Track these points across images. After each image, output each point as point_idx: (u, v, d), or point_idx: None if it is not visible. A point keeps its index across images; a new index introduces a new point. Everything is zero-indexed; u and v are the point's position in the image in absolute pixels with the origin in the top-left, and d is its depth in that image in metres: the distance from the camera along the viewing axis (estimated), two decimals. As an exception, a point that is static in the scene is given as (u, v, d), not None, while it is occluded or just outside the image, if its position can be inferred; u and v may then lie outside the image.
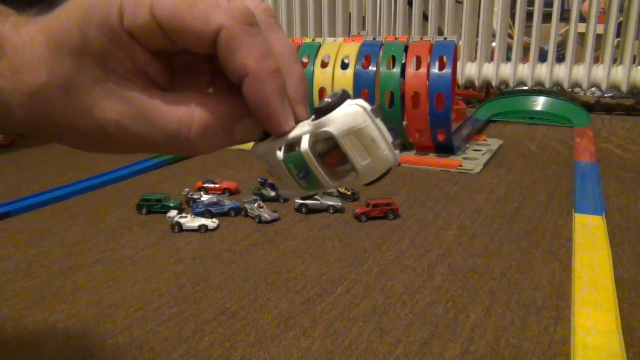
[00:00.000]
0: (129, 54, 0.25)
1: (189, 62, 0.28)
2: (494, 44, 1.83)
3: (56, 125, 0.26)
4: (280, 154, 0.26)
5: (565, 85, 1.73)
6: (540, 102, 1.61)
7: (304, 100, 0.26)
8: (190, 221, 0.81)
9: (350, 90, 1.16)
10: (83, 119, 0.25)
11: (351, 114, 0.25)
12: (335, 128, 0.25)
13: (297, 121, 0.26)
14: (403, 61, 1.16)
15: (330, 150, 0.25)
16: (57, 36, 0.25)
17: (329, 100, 0.25)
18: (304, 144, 0.25)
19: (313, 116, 0.26)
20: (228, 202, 0.88)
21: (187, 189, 0.96)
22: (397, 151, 0.26)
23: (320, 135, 0.25)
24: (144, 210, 0.88)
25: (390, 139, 0.25)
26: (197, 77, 0.29)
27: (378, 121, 0.25)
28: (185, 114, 0.25)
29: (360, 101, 0.25)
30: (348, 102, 0.25)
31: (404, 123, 1.20)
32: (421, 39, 1.19)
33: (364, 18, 1.93)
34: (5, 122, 0.26)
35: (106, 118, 0.25)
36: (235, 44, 0.24)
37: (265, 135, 0.27)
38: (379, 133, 0.25)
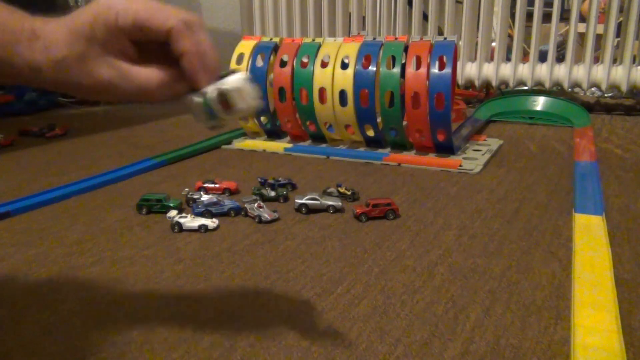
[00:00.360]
0: (119, 41, 0.42)
1: (153, 49, 0.44)
2: (494, 44, 1.83)
3: (70, 81, 0.42)
4: (198, 99, 0.44)
5: (565, 85, 1.73)
6: (540, 102, 1.61)
7: (215, 72, 0.44)
8: (190, 221, 0.81)
9: (350, 90, 1.17)
10: (88, 78, 0.42)
11: (237, 79, 0.44)
12: (228, 86, 0.44)
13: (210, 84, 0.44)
14: (403, 61, 1.16)
15: (225, 99, 0.44)
16: (75, 28, 0.41)
17: (226, 72, 0.45)
18: (212, 94, 0.44)
19: (219, 81, 0.44)
20: (228, 202, 0.88)
21: (187, 189, 0.96)
22: (260, 101, 0.46)
23: (220, 90, 0.44)
24: (144, 210, 0.88)
25: (258, 94, 0.45)
26: (157, 59, 0.44)
27: (251, 84, 0.45)
28: (149, 75, 0.43)
29: (243, 73, 0.45)
30: (236, 73, 0.45)
31: (404, 123, 1.20)
32: (421, 39, 1.19)
33: (364, 18, 1.93)
34: (36, 80, 0.42)
35: (102, 78, 0.42)
36: (180, 35, 0.42)
37: (192, 91, 0.45)
38: (251, 90, 0.45)
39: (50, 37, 0.41)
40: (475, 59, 1.82)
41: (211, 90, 0.44)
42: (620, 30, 1.69)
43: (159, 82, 0.43)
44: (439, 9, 1.81)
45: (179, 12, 0.43)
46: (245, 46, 1.35)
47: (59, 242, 0.78)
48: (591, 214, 0.84)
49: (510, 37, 1.81)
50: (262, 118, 1.36)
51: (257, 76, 1.31)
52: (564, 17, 2.10)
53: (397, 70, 1.15)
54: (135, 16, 0.41)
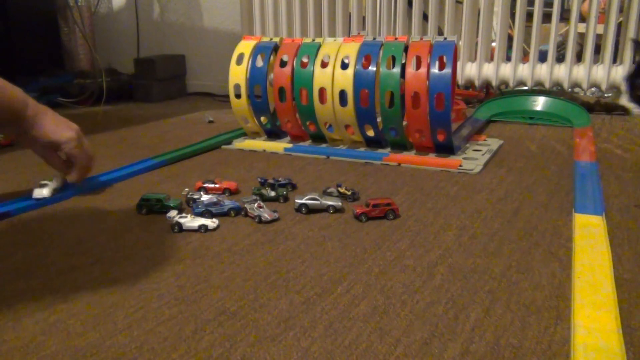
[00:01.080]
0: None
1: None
2: (494, 44, 1.83)
3: (24, 140, 0.94)
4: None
5: (565, 85, 1.73)
6: (540, 102, 1.61)
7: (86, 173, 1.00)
8: (190, 221, 0.81)
9: (350, 90, 1.17)
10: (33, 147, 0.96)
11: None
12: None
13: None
14: (403, 61, 1.16)
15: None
16: (38, 135, 0.93)
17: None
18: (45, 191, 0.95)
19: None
20: (228, 202, 0.88)
21: (187, 189, 0.96)
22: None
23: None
24: (144, 210, 0.88)
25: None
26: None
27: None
28: (56, 160, 0.97)
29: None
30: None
31: (404, 123, 1.20)
32: (421, 39, 1.19)
33: (364, 18, 1.93)
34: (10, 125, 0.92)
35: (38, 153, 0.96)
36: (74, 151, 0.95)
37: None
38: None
39: (36, 123, 0.90)
40: (475, 59, 1.82)
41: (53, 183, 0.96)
42: (620, 30, 1.69)
43: (58, 164, 0.96)
44: (439, 9, 1.81)
45: (87, 150, 0.96)
46: (245, 46, 1.35)
47: (59, 242, 0.78)
48: (591, 214, 0.84)
49: (510, 37, 1.81)
50: (262, 118, 1.36)
51: (257, 76, 1.31)
52: (564, 17, 2.10)
53: (397, 70, 1.15)
54: (69, 153, 0.94)
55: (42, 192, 0.93)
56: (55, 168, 0.96)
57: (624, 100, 0.86)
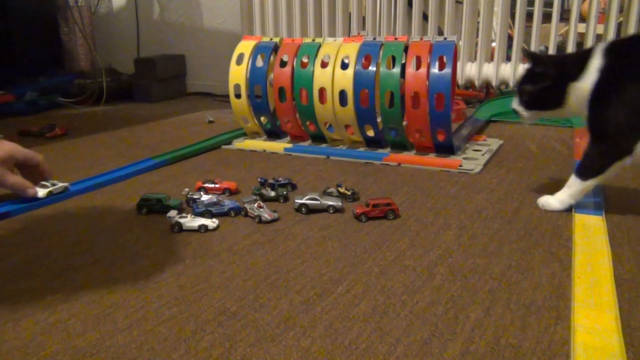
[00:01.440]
0: (10, 165, 0.91)
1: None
2: (494, 44, 1.83)
3: None
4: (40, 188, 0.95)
5: (565, 85, 1.72)
6: (540, 102, 1.61)
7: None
8: (190, 221, 0.81)
9: (350, 90, 1.17)
10: None
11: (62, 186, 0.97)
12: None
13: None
14: (403, 61, 1.16)
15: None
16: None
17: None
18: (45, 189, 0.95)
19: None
20: (228, 202, 0.88)
21: (187, 189, 0.96)
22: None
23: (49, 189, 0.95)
24: (144, 210, 0.88)
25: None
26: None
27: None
28: (18, 179, 0.91)
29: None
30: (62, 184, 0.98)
31: (404, 123, 1.20)
32: (421, 39, 1.19)
33: (364, 18, 1.93)
34: None
35: None
36: (42, 165, 0.96)
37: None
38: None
39: None
40: (475, 59, 1.82)
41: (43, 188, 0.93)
42: (620, 30, 1.69)
43: (19, 183, 0.90)
44: (439, 9, 1.81)
45: (37, 154, 0.94)
46: (245, 46, 1.35)
47: (59, 242, 0.78)
48: (591, 214, 0.84)
49: (510, 37, 1.81)
50: (262, 118, 1.36)
51: (257, 76, 1.31)
52: (564, 17, 2.09)
53: (397, 70, 1.15)
54: (24, 156, 0.92)
55: (39, 193, 0.93)
56: (20, 185, 0.91)
57: (514, 105, 0.90)
